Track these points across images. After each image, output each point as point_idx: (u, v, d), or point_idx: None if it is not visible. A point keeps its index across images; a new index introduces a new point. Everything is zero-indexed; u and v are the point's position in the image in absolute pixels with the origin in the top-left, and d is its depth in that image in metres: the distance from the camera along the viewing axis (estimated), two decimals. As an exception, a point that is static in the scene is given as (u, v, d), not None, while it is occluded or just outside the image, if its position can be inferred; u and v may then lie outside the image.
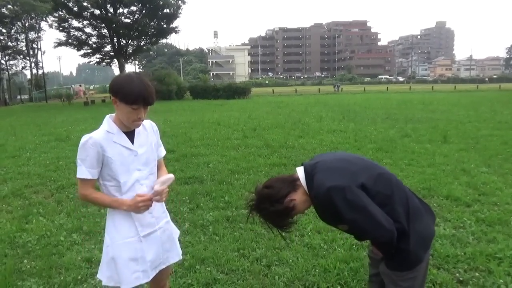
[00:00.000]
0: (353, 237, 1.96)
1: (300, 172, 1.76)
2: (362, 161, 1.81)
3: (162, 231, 2.04)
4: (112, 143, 1.86)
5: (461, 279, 3.05)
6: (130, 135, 1.93)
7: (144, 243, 1.95)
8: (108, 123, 1.91)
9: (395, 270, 1.77)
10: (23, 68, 43.88)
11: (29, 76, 45.85)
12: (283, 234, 1.86)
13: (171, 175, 2.00)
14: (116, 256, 1.90)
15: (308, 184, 1.72)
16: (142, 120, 1.89)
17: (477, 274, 3.10)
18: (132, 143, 1.92)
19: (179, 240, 2.24)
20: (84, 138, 1.85)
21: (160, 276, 2.10)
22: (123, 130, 1.91)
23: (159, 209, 2.05)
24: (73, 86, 55.43)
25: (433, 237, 1.85)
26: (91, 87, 78.93)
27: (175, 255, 2.14)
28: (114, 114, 1.93)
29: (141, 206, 1.85)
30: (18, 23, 38.29)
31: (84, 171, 1.84)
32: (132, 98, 1.77)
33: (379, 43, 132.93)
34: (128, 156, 1.90)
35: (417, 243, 1.72)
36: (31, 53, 42.12)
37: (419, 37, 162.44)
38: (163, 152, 2.16)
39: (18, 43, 40.74)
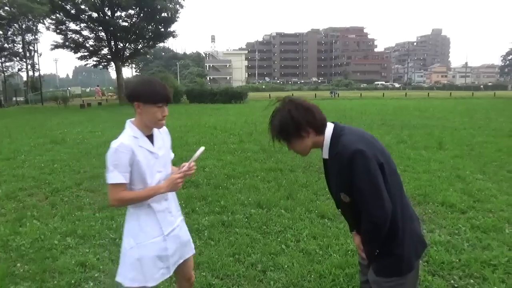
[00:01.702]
0: (344, 218, 1.96)
1: (329, 126, 1.76)
2: (385, 148, 1.82)
3: (179, 229, 2.18)
4: (138, 147, 1.94)
5: (456, 285, 3.06)
6: (150, 138, 2.02)
7: (168, 241, 2.07)
8: (131, 128, 1.97)
9: (384, 276, 1.76)
10: (19, 70, 43.68)
11: (25, 78, 45.54)
12: (274, 143, 1.81)
13: (202, 147, 2.10)
14: (143, 256, 1.98)
15: (332, 141, 1.72)
16: (166, 118, 2.00)
17: (471, 281, 3.12)
18: (153, 146, 2.02)
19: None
20: (116, 144, 1.88)
21: (186, 269, 2.28)
22: (144, 134, 1.99)
23: (175, 207, 2.19)
24: (69, 88, 55.09)
25: (426, 247, 1.87)
26: (88, 89, 78.53)
27: (190, 249, 2.29)
28: (134, 119, 2.00)
29: (179, 182, 1.98)
30: (15, 25, 38.14)
31: (118, 176, 1.88)
32: (157, 97, 1.89)
33: (375, 50, 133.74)
34: (151, 159, 1.99)
35: (410, 250, 1.73)
36: (28, 55, 41.91)
37: (415, 44, 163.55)
38: (172, 155, 2.27)
39: (15, 45, 40.53)
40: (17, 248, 3.86)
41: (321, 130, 1.74)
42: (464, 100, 33.17)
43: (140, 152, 1.93)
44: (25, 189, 6.01)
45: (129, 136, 1.94)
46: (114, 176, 1.87)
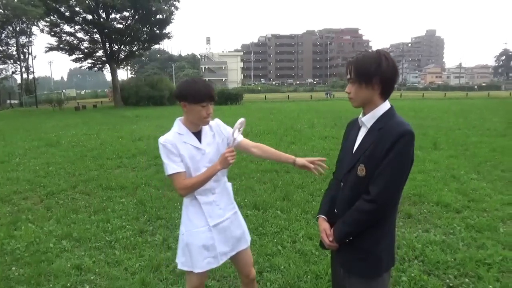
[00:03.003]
0: (330, 194, 1.97)
1: (388, 102, 1.75)
2: None
3: (230, 222, 2.24)
4: (182, 143, 2.07)
5: (451, 285, 3.08)
6: (198, 135, 2.14)
7: (214, 232, 2.16)
8: (178, 125, 2.13)
9: (355, 273, 1.75)
10: (13, 72, 43.39)
11: (19, 81, 45.34)
12: (349, 77, 1.77)
13: (242, 119, 2.18)
14: (190, 242, 2.14)
15: (383, 115, 1.71)
16: (211, 116, 2.11)
17: (467, 280, 3.14)
18: (200, 143, 2.12)
19: None
20: (161, 140, 2.05)
21: (242, 264, 2.34)
22: (191, 131, 2.12)
23: (226, 201, 2.26)
24: (63, 91, 54.70)
25: (393, 265, 1.83)
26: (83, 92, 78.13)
27: (243, 243, 2.32)
28: (182, 117, 2.15)
29: (228, 157, 2.03)
30: (9, 27, 37.93)
31: (174, 167, 2.03)
32: (201, 97, 2.01)
33: (370, 51, 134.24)
34: (196, 154, 2.10)
35: (386, 252, 1.72)
36: (22, 57, 41.70)
37: (409, 45, 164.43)
38: (241, 137, 2.30)
39: (9, 47, 40.31)
40: (12, 252, 3.83)
41: (385, 96, 1.72)
42: (458, 100, 33.38)
43: (184, 147, 2.06)
44: (19, 192, 5.98)
45: (174, 132, 2.10)
46: (171, 167, 2.02)
